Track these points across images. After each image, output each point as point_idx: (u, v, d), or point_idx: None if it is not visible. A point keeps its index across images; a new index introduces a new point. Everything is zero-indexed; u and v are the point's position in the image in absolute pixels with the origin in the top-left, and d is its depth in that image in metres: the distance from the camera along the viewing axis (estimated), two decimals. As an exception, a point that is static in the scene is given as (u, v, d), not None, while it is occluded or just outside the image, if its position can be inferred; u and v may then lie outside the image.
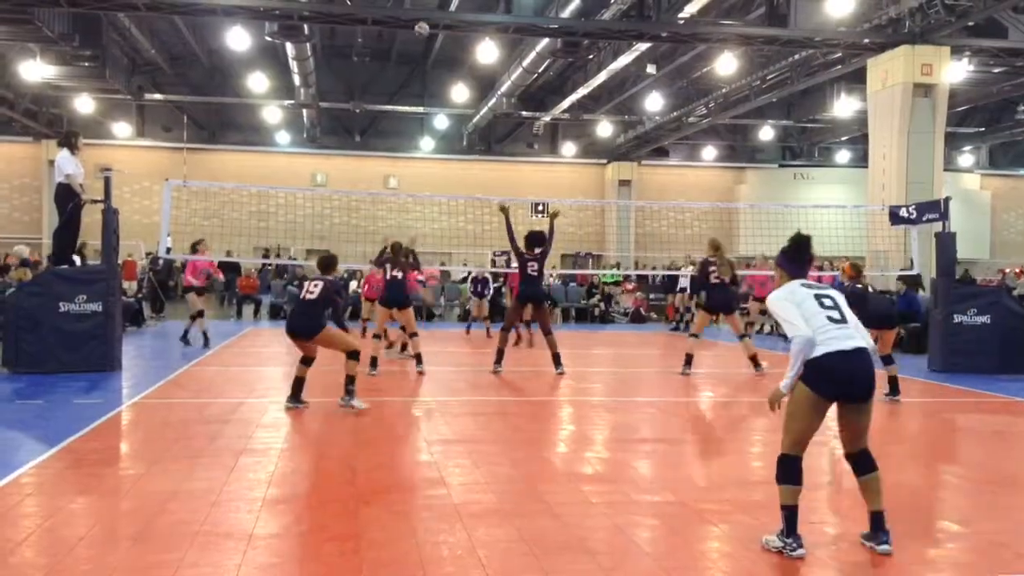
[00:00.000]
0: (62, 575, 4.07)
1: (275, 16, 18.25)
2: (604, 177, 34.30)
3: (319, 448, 7.26)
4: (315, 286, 8.46)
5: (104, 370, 10.86)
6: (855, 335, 4.46)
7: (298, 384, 8.63)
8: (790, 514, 4.41)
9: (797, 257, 4.75)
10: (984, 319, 12.44)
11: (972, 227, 30.77)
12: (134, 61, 27.11)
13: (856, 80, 22.77)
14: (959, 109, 27.11)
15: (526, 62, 21.96)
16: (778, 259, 4.80)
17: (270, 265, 26.05)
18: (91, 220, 12.14)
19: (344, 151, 32.24)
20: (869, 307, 8.77)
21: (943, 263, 12.82)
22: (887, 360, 9.50)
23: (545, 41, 19.79)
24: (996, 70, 22.90)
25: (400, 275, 11.49)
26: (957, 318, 12.46)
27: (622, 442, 7.68)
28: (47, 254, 16.27)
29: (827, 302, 4.52)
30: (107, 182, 11.59)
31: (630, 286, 25.99)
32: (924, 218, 13.69)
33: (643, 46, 20.62)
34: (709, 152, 34.23)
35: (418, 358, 11.57)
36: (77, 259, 12.39)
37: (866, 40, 18.27)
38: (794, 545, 4.38)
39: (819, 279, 12.06)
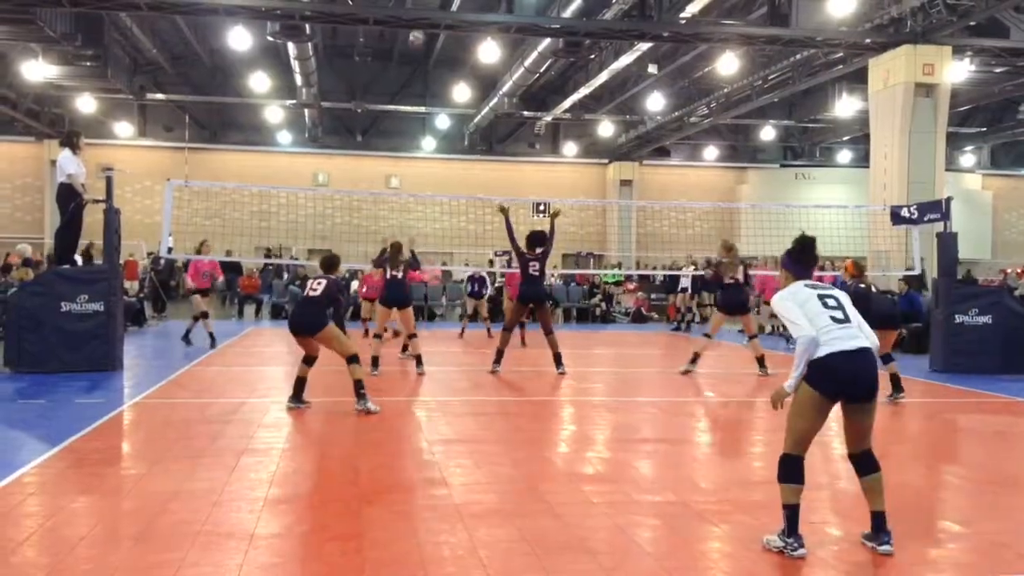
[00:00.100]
0: (64, 574, 4.07)
1: (277, 16, 18.26)
2: (605, 177, 34.30)
3: (320, 448, 7.27)
4: (318, 284, 8.52)
5: (106, 370, 10.87)
6: (859, 335, 4.47)
7: (300, 384, 8.64)
8: (791, 513, 4.41)
9: (802, 258, 4.77)
10: (985, 319, 12.42)
11: (974, 227, 30.72)
12: (136, 61, 27.13)
13: (857, 80, 22.76)
14: (961, 109, 27.10)
15: (528, 62, 21.96)
16: (783, 260, 4.83)
17: (271, 265, 26.07)
18: (93, 220, 12.15)
19: (346, 151, 32.26)
20: (872, 307, 8.77)
21: (944, 263, 12.82)
22: (886, 359, 9.51)
23: (547, 41, 19.79)
24: (998, 70, 22.88)
25: (400, 275, 11.50)
26: (958, 318, 12.45)
27: (623, 442, 7.68)
28: (46, 253, 16.31)
29: (831, 302, 4.54)
30: (109, 182, 11.60)
31: (631, 286, 25.99)
32: (926, 218, 13.68)
33: (644, 46, 20.62)
34: (710, 152, 34.23)
35: (418, 359, 11.57)
36: (79, 259, 12.39)
37: (867, 40, 18.26)
38: (795, 545, 4.39)
39: (820, 279, 12.05)
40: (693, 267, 20.82)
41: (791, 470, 4.46)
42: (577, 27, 18.37)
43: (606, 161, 33.94)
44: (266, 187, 24.60)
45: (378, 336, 11.87)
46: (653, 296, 25.17)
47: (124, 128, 30.45)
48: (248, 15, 18.62)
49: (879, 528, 4.50)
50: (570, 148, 33.51)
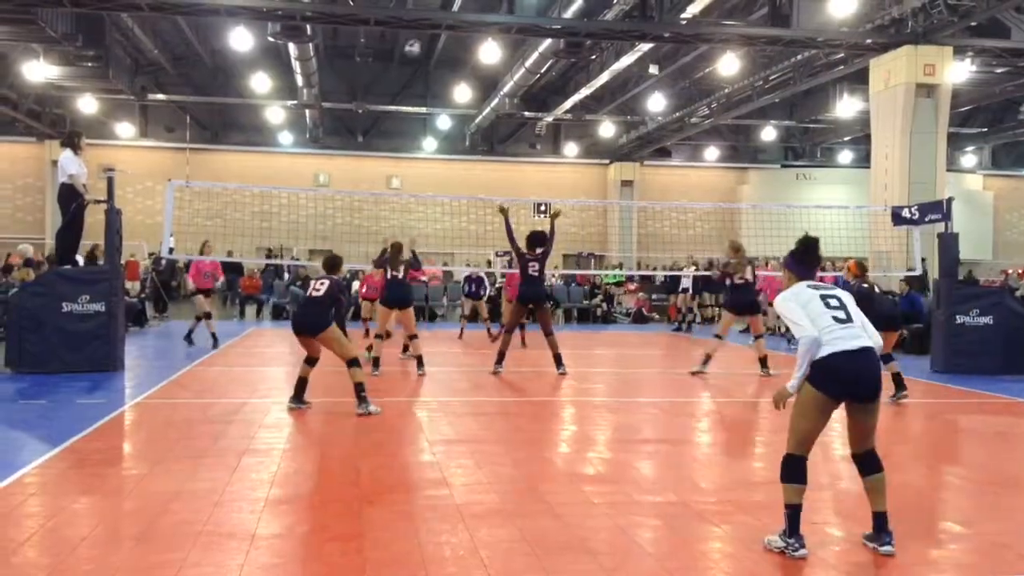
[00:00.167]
0: (65, 575, 4.08)
1: (278, 16, 18.26)
2: (606, 177, 34.30)
3: (321, 448, 7.27)
4: (321, 284, 8.57)
5: (107, 370, 10.88)
6: (861, 335, 4.47)
7: (301, 384, 8.66)
8: (793, 513, 4.42)
9: (805, 259, 4.79)
10: (987, 320, 12.42)
11: (975, 228, 30.70)
12: (137, 61, 27.15)
13: (858, 80, 22.76)
14: (962, 109, 27.09)
15: (528, 62, 21.96)
16: (786, 261, 4.84)
17: (273, 265, 26.07)
18: (94, 220, 12.17)
19: (347, 151, 32.26)
20: (875, 307, 8.76)
21: (945, 264, 12.81)
22: (886, 359, 9.50)
23: (548, 41, 19.79)
24: (999, 70, 22.88)
25: (400, 274, 11.51)
26: (960, 319, 12.45)
27: (624, 443, 7.68)
28: (46, 254, 16.31)
29: (833, 302, 4.54)
30: (110, 182, 11.61)
31: (632, 286, 25.98)
32: (927, 219, 13.67)
33: (645, 46, 20.62)
34: (711, 152, 34.22)
35: (419, 360, 11.56)
36: (80, 259, 12.39)
37: (868, 40, 18.26)
38: (796, 545, 4.39)
39: (820, 280, 12.04)
40: (694, 267, 20.83)
41: (794, 470, 4.46)
42: (578, 28, 18.37)
43: (607, 161, 33.93)
44: (267, 188, 24.63)
45: (380, 336, 11.88)
46: (654, 297, 25.17)
47: (125, 129, 30.46)
48: (249, 16, 18.63)
49: (880, 528, 4.50)
50: (571, 148, 33.51)
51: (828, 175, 33.90)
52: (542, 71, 23.28)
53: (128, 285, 18.13)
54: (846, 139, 33.04)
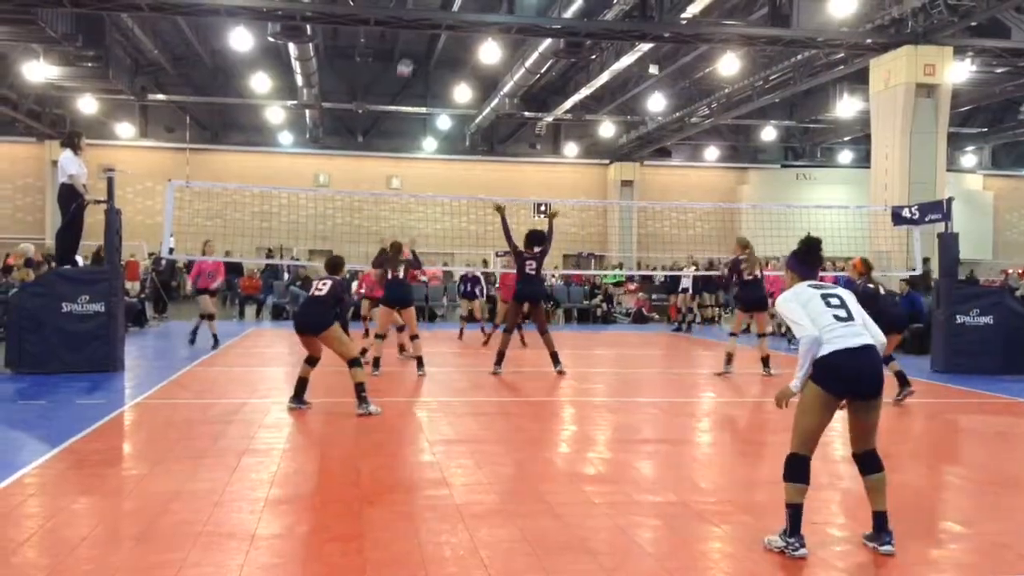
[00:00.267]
0: (64, 575, 4.07)
1: (278, 17, 18.27)
2: (606, 177, 34.31)
3: (321, 449, 7.26)
4: (324, 284, 8.61)
5: (107, 370, 10.87)
6: (862, 332, 4.48)
7: (301, 384, 8.66)
8: (795, 512, 4.41)
9: (807, 259, 4.80)
10: (987, 320, 12.42)
11: (975, 228, 30.73)
12: (137, 62, 27.16)
13: (858, 80, 22.76)
14: (962, 109, 27.10)
15: (529, 62, 21.96)
16: (788, 261, 4.86)
17: (272, 266, 26.07)
18: (94, 220, 12.16)
19: (347, 151, 32.28)
20: (881, 308, 8.73)
21: (946, 264, 12.81)
22: (886, 360, 9.47)
23: (548, 41, 19.80)
24: (999, 70, 22.89)
25: (400, 274, 11.51)
26: (960, 319, 12.44)
27: (624, 442, 7.68)
28: (45, 254, 16.30)
29: (833, 301, 4.55)
30: (110, 182, 11.60)
31: (632, 286, 25.98)
32: (927, 219, 13.67)
33: (645, 46, 20.63)
34: (711, 152, 34.23)
35: (419, 361, 11.55)
36: (81, 260, 12.40)
37: (869, 40, 18.26)
38: (796, 545, 4.38)
39: (821, 279, 12.03)
40: (694, 268, 20.82)
41: (797, 469, 4.46)
42: (578, 28, 18.37)
43: (607, 161, 33.94)
44: (267, 188, 24.64)
45: (380, 337, 11.87)
46: (654, 297, 25.17)
47: (125, 129, 30.48)
48: (249, 16, 18.65)
49: (880, 528, 4.50)
50: (571, 148, 33.52)
51: (828, 175, 33.92)
52: (542, 71, 23.29)
53: (128, 285, 18.13)
54: (846, 139, 33.06)
